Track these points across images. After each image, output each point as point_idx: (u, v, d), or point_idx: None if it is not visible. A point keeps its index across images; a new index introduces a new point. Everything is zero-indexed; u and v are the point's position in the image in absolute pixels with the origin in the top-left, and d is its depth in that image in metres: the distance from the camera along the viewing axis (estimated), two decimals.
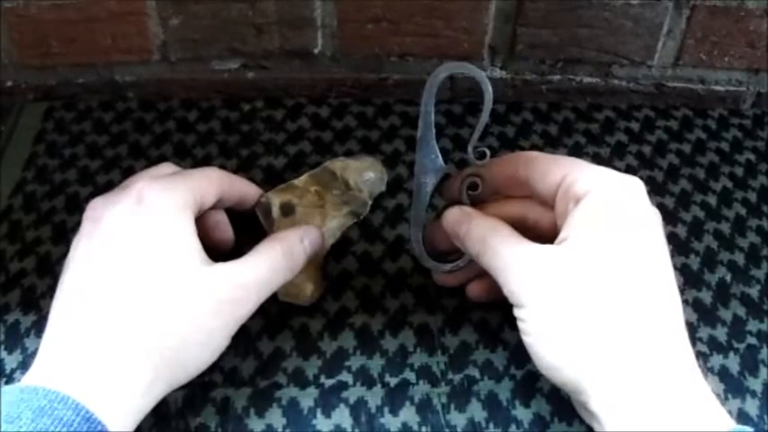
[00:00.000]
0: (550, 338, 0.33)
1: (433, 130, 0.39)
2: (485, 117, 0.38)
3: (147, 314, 0.33)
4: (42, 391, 0.29)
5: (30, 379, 0.31)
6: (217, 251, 0.38)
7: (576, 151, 0.54)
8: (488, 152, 0.39)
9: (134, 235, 0.34)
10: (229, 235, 0.42)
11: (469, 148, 0.39)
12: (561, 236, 0.35)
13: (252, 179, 0.50)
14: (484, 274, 0.38)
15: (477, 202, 0.40)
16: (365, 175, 0.48)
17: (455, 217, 0.39)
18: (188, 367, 0.35)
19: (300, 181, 0.46)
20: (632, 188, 0.35)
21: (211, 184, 0.39)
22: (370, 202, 0.47)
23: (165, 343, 0.33)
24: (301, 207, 0.44)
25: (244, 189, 0.42)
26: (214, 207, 0.40)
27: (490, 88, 0.38)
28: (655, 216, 0.35)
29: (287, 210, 0.44)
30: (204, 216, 0.39)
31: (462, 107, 0.57)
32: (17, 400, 0.29)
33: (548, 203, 0.38)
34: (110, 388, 0.31)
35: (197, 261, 0.35)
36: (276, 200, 0.44)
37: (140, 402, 0.33)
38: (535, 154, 0.39)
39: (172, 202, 0.35)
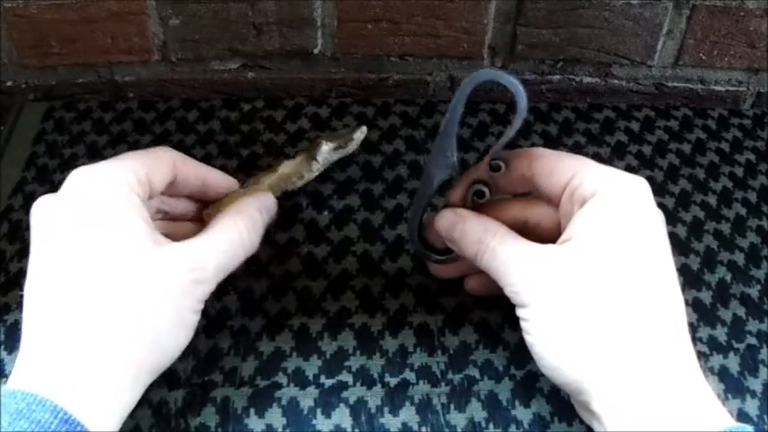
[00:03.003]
0: (553, 338, 0.33)
1: (456, 128, 0.38)
2: (512, 132, 0.37)
3: (111, 309, 0.32)
4: (20, 395, 0.29)
5: (11, 383, 0.31)
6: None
7: (576, 151, 0.54)
8: (503, 165, 0.38)
9: (71, 228, 0.33)
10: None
11: (487, 159, 0.38)
12: (565, 235, 0.35)
13: None
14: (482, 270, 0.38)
15: (481, 209, 0.40)
16: (331, 150, 0.48)
17: (448, 220, 0.39)
18: (167, 352, 0.34)
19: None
20: (638, 189, 0.35)
21: (159, 163, 0.37)
22: (324, 146, 0.48)
23: (139, 335, 0.32)
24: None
25: (205, 174, 0.40)
26: (173, 193, 0.39)
27: (526, 106, 0.36)
28: (659, 217, 0.35)
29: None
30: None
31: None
32: None
33: (552, 201, 0.38)
34: (89, 387, 0.31)
35: (149, 245, 0.33)
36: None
37: (126, 397, 0.32)
38: (542, 152, 0.38)
39: (106, 185, 0.34)
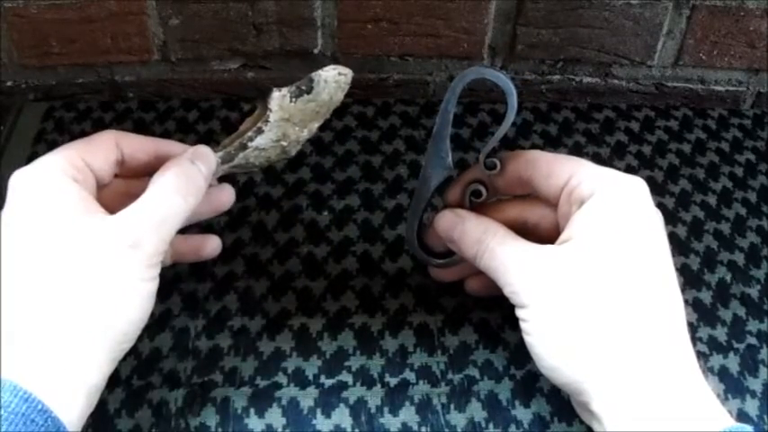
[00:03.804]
0: (553, 339, 0.33)
1: (449, 129, 0.39)
2: (504, 129, 0.37)
3: (54, 286, 0.32)
4: None
5: None
6: None
7: (576, 151, 0.54)
8: (499, 163, 0.38)
9: (16, 225, 0.33)
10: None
11: (481, 158, 0.38)
12: (564, 236, 0.35)
13: (251, 179, 0.50)
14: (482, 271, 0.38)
15: (479, 209, 0.40)
16: (286, 96, 0.40)
17: (447, 221, 0.39)
18: (122, 322, 0.33)
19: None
20: (636, 190, 0.35)
21: (97, 146, 0.37)
22: (275, 93, 0.40)
23: (87, 307, 0.32)
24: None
25: (155, 147, 0.39)
26: (131, 174, 0.39)
27: (516, 102, 0.37)
28: (657, 217, 0.35)
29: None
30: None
31: (462, 107, 0.57)
32: None
33: (550, 203, 0.38)
34: (48, 365, 0.30)
35: (82, 219, 0.33)
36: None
37: (87, 374, 0.32)
38: (538, 154, 0.38)
39: (39, 178, 0.34)
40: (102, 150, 0.37)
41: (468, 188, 0.39)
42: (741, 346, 0.42)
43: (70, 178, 0.34)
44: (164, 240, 0.35)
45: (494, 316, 0.43)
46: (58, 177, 0.34)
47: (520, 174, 0.38)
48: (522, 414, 0.39)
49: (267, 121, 0.40)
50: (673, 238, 0.48)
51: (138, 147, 0.39)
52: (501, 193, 0.40)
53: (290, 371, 0.40)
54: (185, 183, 0.36)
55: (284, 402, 0.39)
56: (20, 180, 0.34)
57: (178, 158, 0.37)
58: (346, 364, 0.41)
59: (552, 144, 0.55)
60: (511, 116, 0.37)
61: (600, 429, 0.32)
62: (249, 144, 0.40)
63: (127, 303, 0.33)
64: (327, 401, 0.39)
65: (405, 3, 0.54)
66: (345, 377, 0.40)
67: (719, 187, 0.52)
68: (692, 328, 0.43)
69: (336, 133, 0.55)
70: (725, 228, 0.49)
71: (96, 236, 0.33)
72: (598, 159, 0.53)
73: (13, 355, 0.30)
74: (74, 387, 0.31)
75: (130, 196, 0.35)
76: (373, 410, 0.39)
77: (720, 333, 0.43)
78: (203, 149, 0.39)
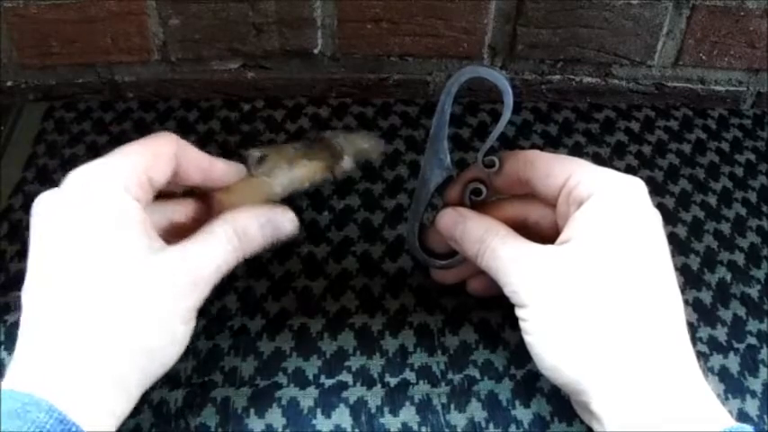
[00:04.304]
0: (553, 338, 0.33)
1: (446, 130, 0.38)
2: (500, 127, 0.37)
3: (105, 315, 0.32)
4: (16, 394, 0.29)
5: (6, 383, 0.30)
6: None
7: (576, 151, 0.54)
8: (497, 161, 0.38)
9: (69, 231, 0.33)
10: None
11: (479, 156, 0.39)
12: (563, 236, 0.35)
13: None
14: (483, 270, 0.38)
15: (479, 207, 0.40)
16: (356, 142, 0.45)
17: (449, 219, 0.39)
18: (161, 356, 0.34)
19: (294, 146, 0.44)
20: (635, 190, 0.35)
21: (159, 160, 0.36)
22: (347, 158, 0.43)
23: (133, 340, 0.32)
24: (275, 155, 0.42)
25: (208, 167, 0.39)
26: (176, 182, 0.38)
27: (511, 100, 0.37)
28: (656, 217, 0.35)
29: (261, 159, 0.42)
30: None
31: (462, 107, 0.57)
32: None
33: (549, 203, 0.38)
34: (84, 389, 0.31)
35: (143, 252, 0.33)
36: (257, 153, 0.42)
37: (121, 400, 0.32)
38: (537, 154, 0.38)
39: (103, 190, 0.33)
40: (164, 164, 0.36)
41: (467, 187, 0.39)
42: (741, 346, 0.42)
43: (133, 197, 0.34)
44: (211, 286, 0.35)
45: (494, 316, 0.43)
46: (121, 196, 0.34)
47: (518, 174, 0.38)
48: (522, 414, 0.39)
49: (323, 178, 0.42)
50: (673, 238, 0.48)
51: (194, 161, 0.38)
52: (500, 193, 0.40)
53: (290, 371, 0.40)
54: (248, 243, 0.36)
55: (284, 402, 0.39)
56: (80, 185, 0.34)
57: (259, 214, 0.37)
58: (346, 364, 0.41)
59: (552, 144, 0.55)
60: (507, 114, 0.37)
61: (600, 429, 0.32)
62: (305, 185, 0.42)
63: (168, 343, 0.33)
64: (327, 401, 0.39)
65: (405, 3, 0.54)
66: (345, 377, 0.40)
67: (719, 187, 0.52)
68: (692, 328, 0.43)
69: None
70: (725, 228, 0.49)
71: (156, 273, 0.33)
72: (598, 159, 0.53)
73: (51, 376, 0.30)
74: (105, 414, 0.31)
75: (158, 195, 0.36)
76: (373, 410, 0.39)
77: (720, 333, 0.43)
78: (289, 225, 0.38)
